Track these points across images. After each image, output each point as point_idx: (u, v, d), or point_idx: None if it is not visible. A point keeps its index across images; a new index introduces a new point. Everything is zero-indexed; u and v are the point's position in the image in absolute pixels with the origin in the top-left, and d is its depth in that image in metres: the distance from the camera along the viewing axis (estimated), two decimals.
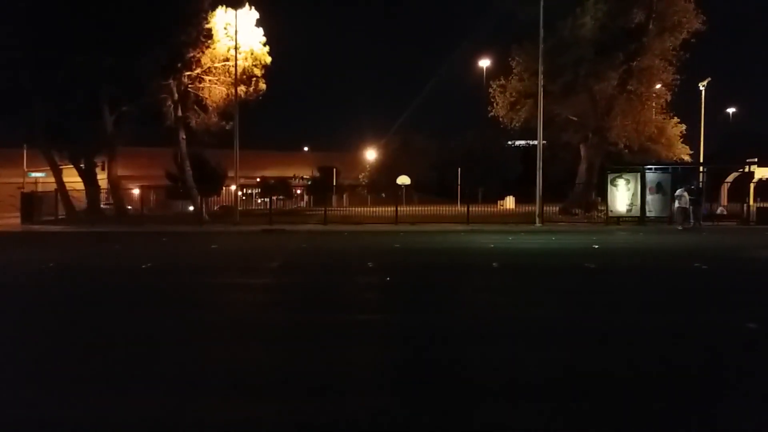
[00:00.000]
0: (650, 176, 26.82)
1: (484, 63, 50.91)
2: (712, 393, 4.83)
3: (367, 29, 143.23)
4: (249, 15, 30.57)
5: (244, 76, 30.65)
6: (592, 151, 32.63)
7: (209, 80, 30.89)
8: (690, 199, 24.14)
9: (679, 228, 23.43)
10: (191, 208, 32.29)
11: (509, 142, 57.39)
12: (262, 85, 31.50)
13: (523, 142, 55.12)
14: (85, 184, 32.47)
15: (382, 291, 10.01)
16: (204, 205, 30.55)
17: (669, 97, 32.95)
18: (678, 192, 24.10)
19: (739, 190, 28.54)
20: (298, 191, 52.36)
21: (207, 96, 31.21)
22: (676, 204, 24.14)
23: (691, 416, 4.33)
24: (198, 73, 30.48)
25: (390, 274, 11.71)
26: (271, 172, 53.32)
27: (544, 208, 27.10)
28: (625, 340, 6.41)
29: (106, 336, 6.80)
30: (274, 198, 37.89)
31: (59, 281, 11.42)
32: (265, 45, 31.51)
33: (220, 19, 30.21)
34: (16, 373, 5.48)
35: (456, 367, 5.49)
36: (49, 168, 33.21)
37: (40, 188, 36.15)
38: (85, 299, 9.29)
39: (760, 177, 27.90)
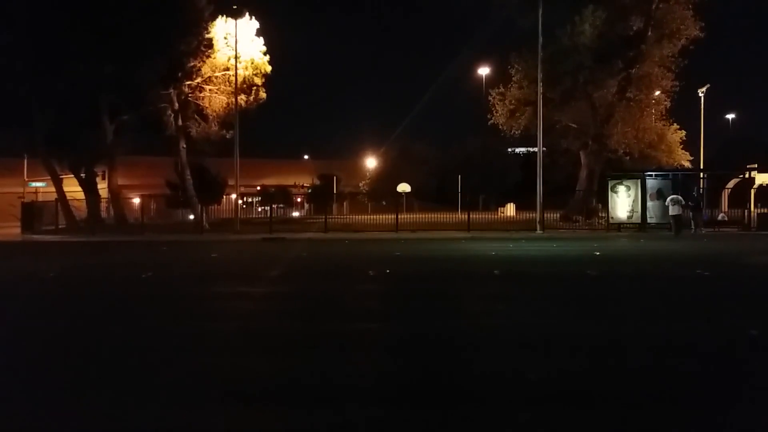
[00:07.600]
0: (650, 183, 26.83)
1: (484, 71, 51.06)
2: (711, 397, 4.79)
3: (366, 38, 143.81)
4: (249, 25, 30.74)
5: (245, 86, 30.77)
6: (592, 157, 32.65)
7: (209, 89, 31.02)
8: (690, 205, 24.02)
9: (674, 236, 23.20)
10: (191, 216, 32.29)
11: (509, 150, 57.38)
12: (263, 94, 31.63)
13: (523, 149, 55.16)
14: (85, 194, 32.47)
15: (383, 299, 9.97)
16: (204, 214, 30.55)
17: (668, 104, 33.01)
18: (668, 200, 24.00)
19: (739, 196, 28.52)
20: (299, 199, 52.33)
21: (207, 105, 31.32)
22: (670, 212, 23.93)
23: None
24: (198, 83, 30.60)
25: (391, 281, 11.68)
26: (272, 181, 53.31)
27: (545, 215, 27.09)
28: (626, 349, 6.37)
29: (103, 345, 6.76)
30: (275, 206, 37.87)
31: (59, 292, 11.37)
32: (265, 54, 31.67)
33: (221, 29, 30.37)
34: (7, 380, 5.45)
35: (456, 376, 5.45)
36: (49, 178, 33.23)
37: (40, 198, 36.11)
38: (84, 310, 9.24)
39: (760, 183, 27.87)
